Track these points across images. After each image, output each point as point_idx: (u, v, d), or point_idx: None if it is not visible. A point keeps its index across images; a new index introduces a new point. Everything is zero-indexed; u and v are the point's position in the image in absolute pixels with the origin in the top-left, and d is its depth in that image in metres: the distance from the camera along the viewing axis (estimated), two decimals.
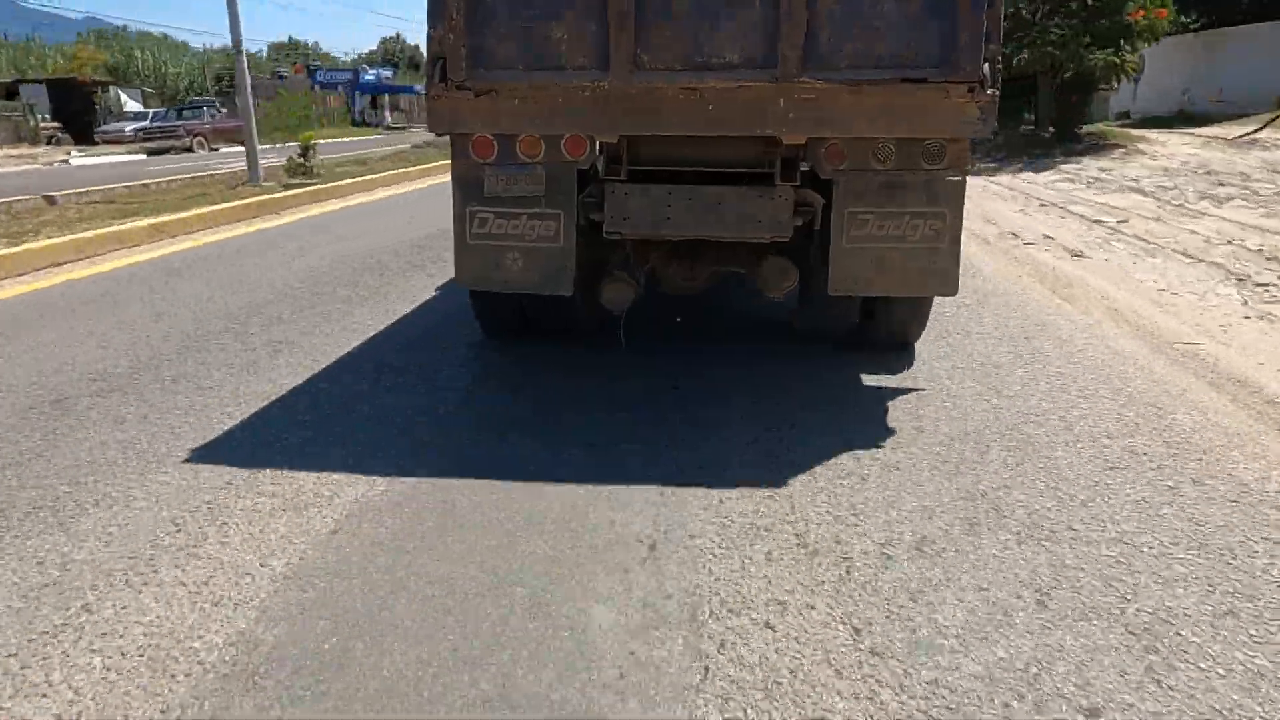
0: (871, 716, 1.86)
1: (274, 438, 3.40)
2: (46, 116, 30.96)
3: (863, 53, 3.31)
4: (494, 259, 3.79)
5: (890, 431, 3.38)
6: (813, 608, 2.26)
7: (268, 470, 3.09)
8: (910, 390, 3.80)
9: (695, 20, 3.37)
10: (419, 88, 48.75)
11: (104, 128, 28.24)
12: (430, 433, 3.49)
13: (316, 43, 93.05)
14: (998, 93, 3.00)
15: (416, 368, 4.25)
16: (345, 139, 29.04)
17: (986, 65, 2.95)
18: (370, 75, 49.47)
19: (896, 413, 3.57)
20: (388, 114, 46.41)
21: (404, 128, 42.58)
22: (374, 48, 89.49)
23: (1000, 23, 2.99)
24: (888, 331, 4.23)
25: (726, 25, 3.42)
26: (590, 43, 3.48)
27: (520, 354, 4.37)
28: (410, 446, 3.32)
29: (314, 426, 3.54)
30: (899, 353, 4.27)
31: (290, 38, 76.74)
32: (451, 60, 3.25)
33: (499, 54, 3.53)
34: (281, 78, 48.39)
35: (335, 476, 3.04)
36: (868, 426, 3.46)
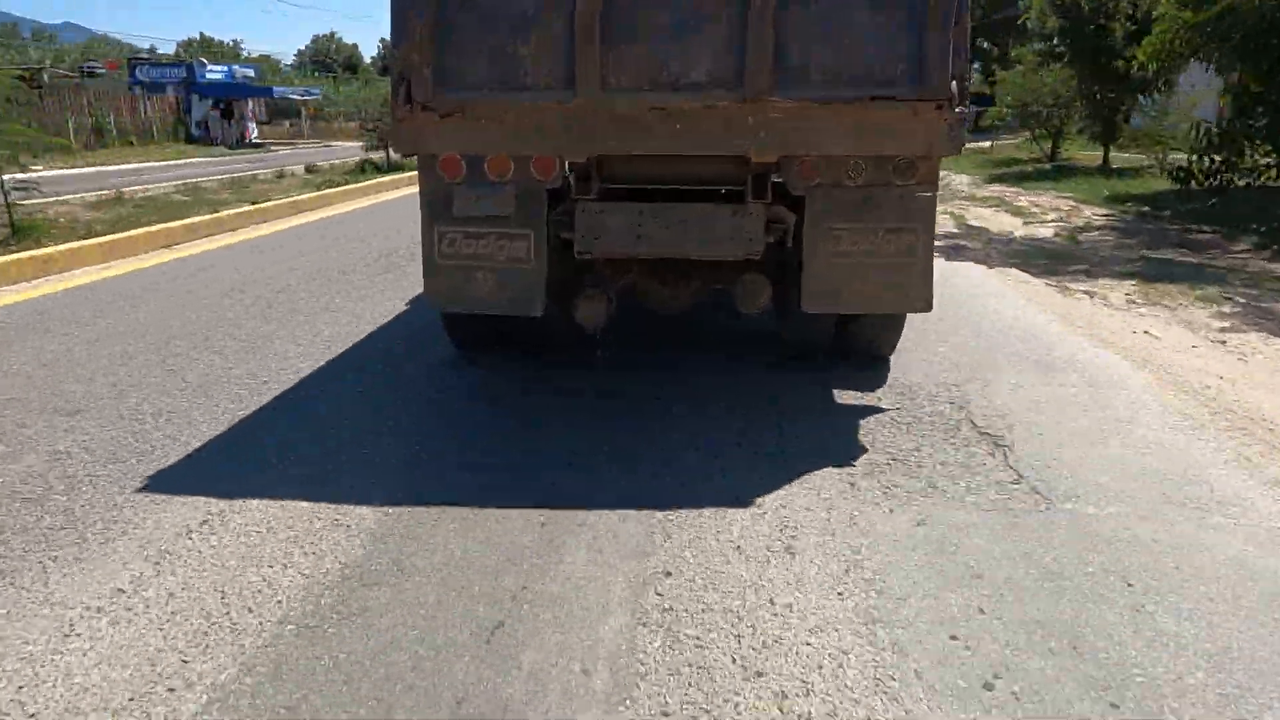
0: None
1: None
2: None
3: (831, 71, 3.48)
4: (464, 279, 3.89)
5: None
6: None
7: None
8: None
9: (663, 39, 3.51)
10: (287, 90, 41.11)
11: None
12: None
13: (236, 41, 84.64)
14: (965, 110, 3.06)
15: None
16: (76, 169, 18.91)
17: (954, 82, 3.00)
18: (216, 72, 37.91)
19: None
20: (251, 126, 36.10)
21: (261, 144, 33.16)
22: (304, 46, 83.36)
23: (967, 39, 3.06)
24: (865, 345, 4.55)
25: (694, 44, 3.52)
26: (557, 62, 3.57)
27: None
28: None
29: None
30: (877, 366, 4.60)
31: (202, 34, 70.27)
32: (416, 80, 3.29)
33: (464, 73, 3.63)
34: (92, 74, 38.75)
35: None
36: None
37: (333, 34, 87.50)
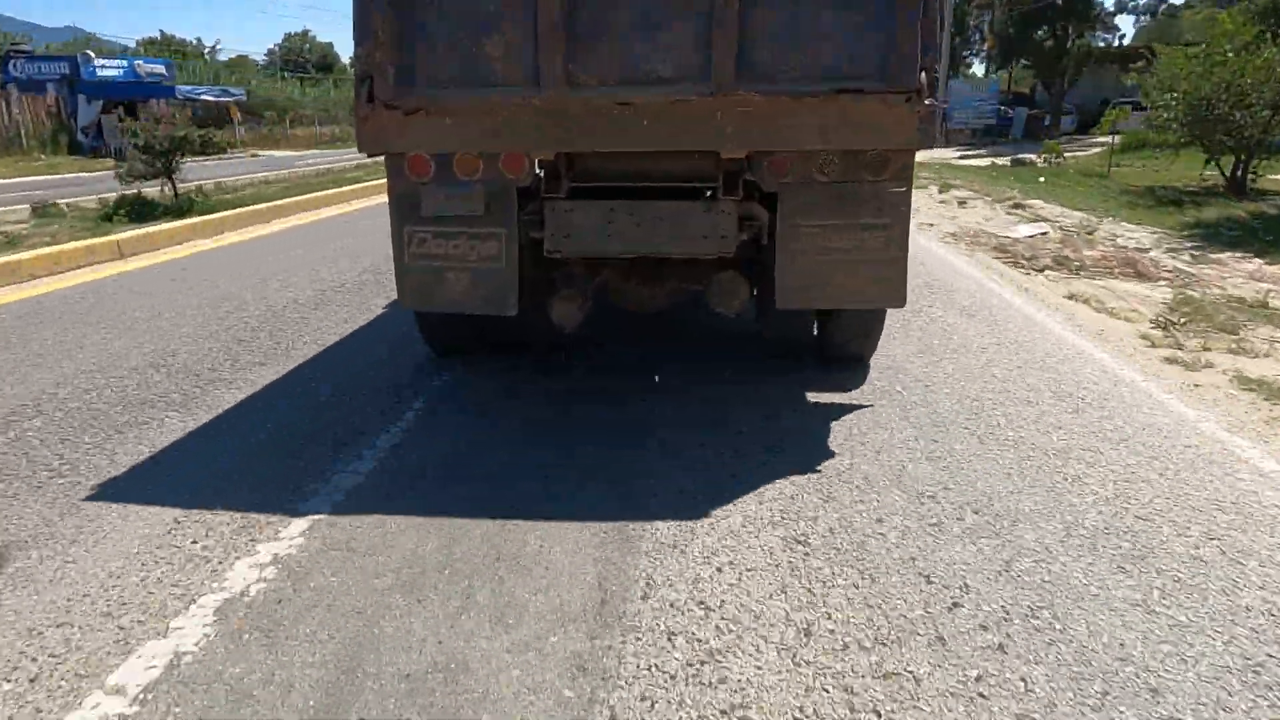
0: None
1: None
2: None
3: (799, 64, 3.64)
4: (435, 279, 4.02)
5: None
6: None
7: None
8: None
9: (628, 33, 3.64)
10: (197, 90, 36.38)
11: None
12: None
13: (201, 39, 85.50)
14: (935, 103, 3.07)
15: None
16: None
17: (923, 74, 3.01)
18: (110, 68, 31.99)
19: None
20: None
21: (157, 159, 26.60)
22: (275, 44, 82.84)
23: (936, 32, 3.11)
24: (841, 345, 4.78)
25: (660, 38, 3.62)
26: (521, 58, 3.67)
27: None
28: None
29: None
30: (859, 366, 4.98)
31: (163, 32, 68.43)
32: (378, 78, 3.22)
33: (428, 71, 3.76)
34: None
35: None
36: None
37: (305, 32, 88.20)
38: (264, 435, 3.81)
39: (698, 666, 2.32)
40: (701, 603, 2.60)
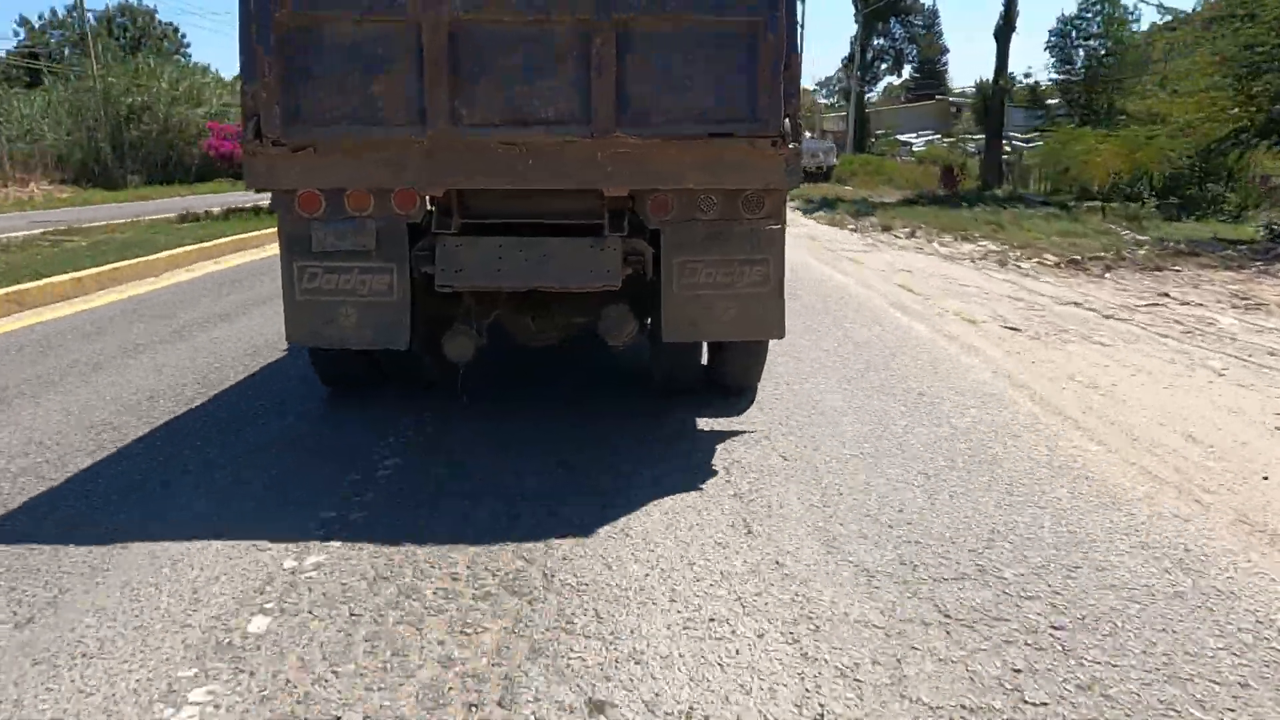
0: None
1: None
2: None
3: (672, 110, 3.80)
4: (325, 315, 4.05)
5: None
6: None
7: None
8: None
9: (511, 75, 3.74)
10: None
11: None
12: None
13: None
14: (799, 146, 3.19)
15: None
16: None
17: (788, 120, 3.13)
18: None
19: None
20: None
21: None
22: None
23: (799, 81, 3.23)
24: (731, 377, 4.92)
25: (541, 81, 3.75)
26: (407, 97, 3.74)
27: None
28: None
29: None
30: (741, 396, 5.02)
31: None
32: (265, 115, 3.41)
33: (315, 109, 3.81)
34: None
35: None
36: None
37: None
38: None
39: None
40: None
